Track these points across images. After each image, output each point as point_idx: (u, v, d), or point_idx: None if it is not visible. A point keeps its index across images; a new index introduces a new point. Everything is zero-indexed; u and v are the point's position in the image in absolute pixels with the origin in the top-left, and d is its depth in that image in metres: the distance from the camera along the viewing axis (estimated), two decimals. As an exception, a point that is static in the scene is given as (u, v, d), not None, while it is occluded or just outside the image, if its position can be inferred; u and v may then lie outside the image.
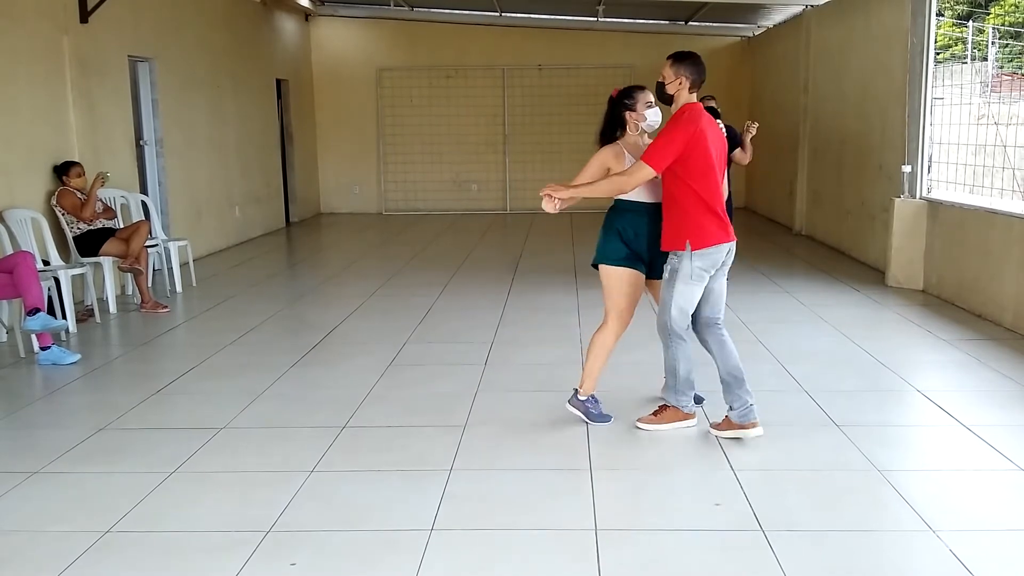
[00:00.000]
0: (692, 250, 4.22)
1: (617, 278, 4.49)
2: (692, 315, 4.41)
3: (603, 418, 4.64)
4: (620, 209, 4.52)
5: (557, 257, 10.38)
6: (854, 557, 3.22)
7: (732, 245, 4.39)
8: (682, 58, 4.32)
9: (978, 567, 3.10)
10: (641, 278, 4.52)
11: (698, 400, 4.71)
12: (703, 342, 4.50)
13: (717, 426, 4.45)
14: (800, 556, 3.21)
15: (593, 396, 4.67)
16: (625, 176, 4.26)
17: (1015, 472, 3.96)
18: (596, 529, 3.43)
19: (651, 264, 4.52)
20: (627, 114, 4.51)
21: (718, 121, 7.96)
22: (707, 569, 3.15)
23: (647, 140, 4.50)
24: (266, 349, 6.34)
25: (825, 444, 4.31)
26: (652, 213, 4.44)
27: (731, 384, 4.36)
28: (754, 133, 7.71)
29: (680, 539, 3.37)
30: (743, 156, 7.88)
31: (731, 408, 4.37)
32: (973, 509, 3.63)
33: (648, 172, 4.20)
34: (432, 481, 3.89)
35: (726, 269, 4.42)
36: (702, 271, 4.27)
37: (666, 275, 4.37)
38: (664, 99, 4.39)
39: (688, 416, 4.55)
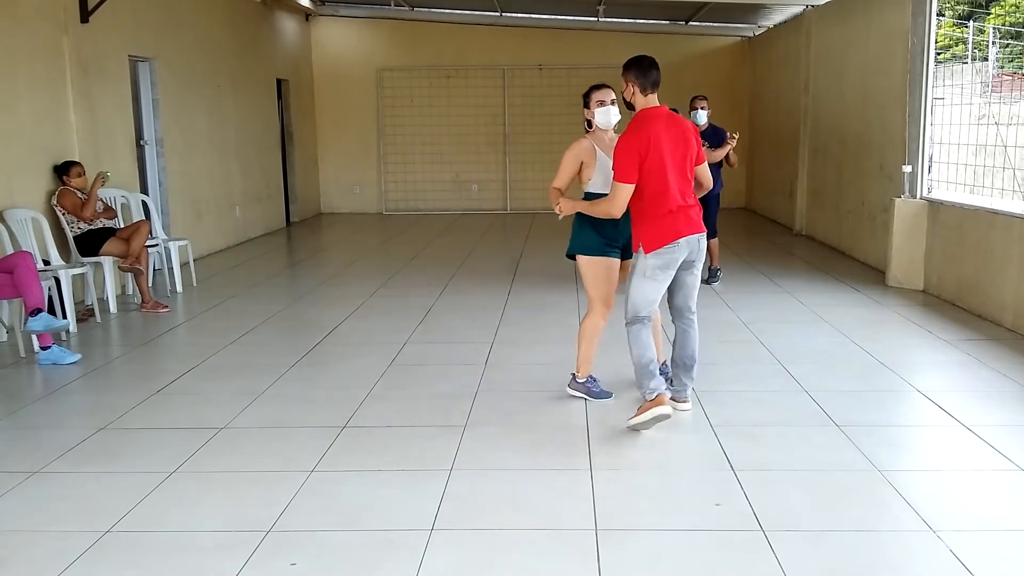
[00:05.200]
0: (644, 252, 4.40)
1: (593, 267, 4.78)
2: (669, 302, 4.68)
3: (604, 394, 4.98)
4: (589, 200, 4.70)
5: (557, 257, 10.34)
6: (854, 557, 3.22)
7: (693, 238, 4.44)
8: (628, 65, 4.43)
9: (978, 567, 3.10)
10: (616, 263, 4.80)
11: (664, 373, 4.82)
12: (675, 325, 4.78)
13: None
14: (800, 556, 3.21)
15: (591, 376, 5.01)
16: (609, 202, 4.43)
17: (1015, 472, 3.96)
18: (596, 529, 3.43)
19: (624, 247, 4.77)
20: (585, 111, 4.84)
21: (703, 123, 8.37)
22: (707, 569, 3.15)
23: (613, 136, 4.73)
24: (266, 349, 6.34)
25: (825, 444, 4.31)
26: None
27: (679, 368, 4.75)
28: (734, 145, 8.14)
29: (680, 539, 3.37)
30: (728, 163, 8.33)
31: (670, 384, 4.76)
32: (973, 509, 3.63)
33: (624, 188, 4.37)
34: (432, 481, 3.89)
35: (697, 263, 4.55)
36: (656, 269, 4.41)
37: (631, 270, 4.57)
38: (628, 106, 4.53)
39: (655, 403, 4.41)
